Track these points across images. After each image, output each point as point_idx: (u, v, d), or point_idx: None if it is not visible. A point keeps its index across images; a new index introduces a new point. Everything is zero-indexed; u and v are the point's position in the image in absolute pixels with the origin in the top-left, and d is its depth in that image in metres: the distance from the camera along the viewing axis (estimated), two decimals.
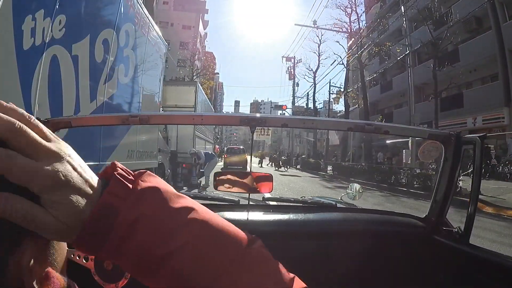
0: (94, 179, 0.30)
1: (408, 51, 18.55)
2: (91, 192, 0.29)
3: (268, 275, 0.32)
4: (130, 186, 0.30)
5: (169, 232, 0.30)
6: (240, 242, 0.33)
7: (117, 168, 0.31)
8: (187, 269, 0.30)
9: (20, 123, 0.26)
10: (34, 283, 0.28)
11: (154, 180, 0.32)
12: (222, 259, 0.31)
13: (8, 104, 0.28)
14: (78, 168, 0.28)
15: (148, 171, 0.33)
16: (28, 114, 0.28)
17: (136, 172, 0.32)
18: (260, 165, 26.45)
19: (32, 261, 0.28)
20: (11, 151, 0.25)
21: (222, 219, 0.34)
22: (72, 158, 0.28)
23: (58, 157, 0.27)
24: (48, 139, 0.28)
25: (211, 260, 0.31)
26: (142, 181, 0.31)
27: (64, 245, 0.34)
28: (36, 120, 0.28)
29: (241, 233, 0.34)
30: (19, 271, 0.28)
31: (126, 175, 0.31)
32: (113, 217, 0.29)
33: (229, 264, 0.31)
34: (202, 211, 0.33)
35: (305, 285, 0.34)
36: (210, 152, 9.87)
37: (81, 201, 0.28)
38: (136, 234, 0.29)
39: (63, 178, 0.27)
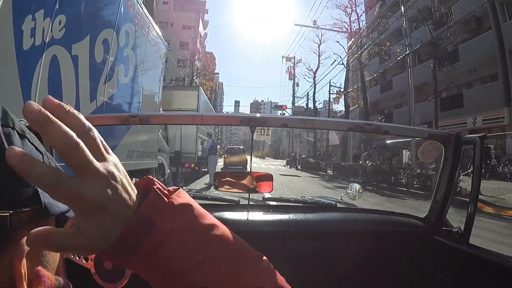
0: (133, 195, 0.30)
1: (408, 51, 18.53)
2: (129, 212, 0.29)
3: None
4: (167, 200, 0.32)
5: (196, 246, 0.31)
6: (254, 259, 0.35)
7: (155, 182, 0.33)
8: (207, 283, 0.31)
9: (76, 139, 0.25)
10: (25, 283, 0.28)
11: (186, 197, 0.34)
12: (240, 274, 0.33)
13: (70, 109, 0.27)
14: (122, 192, 0.28)
15: (181, 189, 0.35)
16: (89, 125, 0.27)
17: (170, 188, 0.34)
18: (288, 166, 23.68)
19: (24, 259, 0.28)
20: (61, 172, 0.25)
21: (236, 236, 0.36)
22: (118, 181, 0.28)
23: (105, 180, 0.27)
24: (101, 156, 0.28)
25: (229, 275, 0.32)
26: (177, 196, 0.33)
27: None
28: (95, 132, 0.28)
29: (252, 250, 0.36)
30: (9, 269, 0.28)
31: (163, 189, 0.32)
32: (149, 228, 0.29)
33: (245, 279, 0.33)
34: (224, 228, 0.35)
35: None
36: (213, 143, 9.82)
37: (116, 223, 0.28)
38: (167, 246, 0.30)
39: (104, 202, 0.27)
